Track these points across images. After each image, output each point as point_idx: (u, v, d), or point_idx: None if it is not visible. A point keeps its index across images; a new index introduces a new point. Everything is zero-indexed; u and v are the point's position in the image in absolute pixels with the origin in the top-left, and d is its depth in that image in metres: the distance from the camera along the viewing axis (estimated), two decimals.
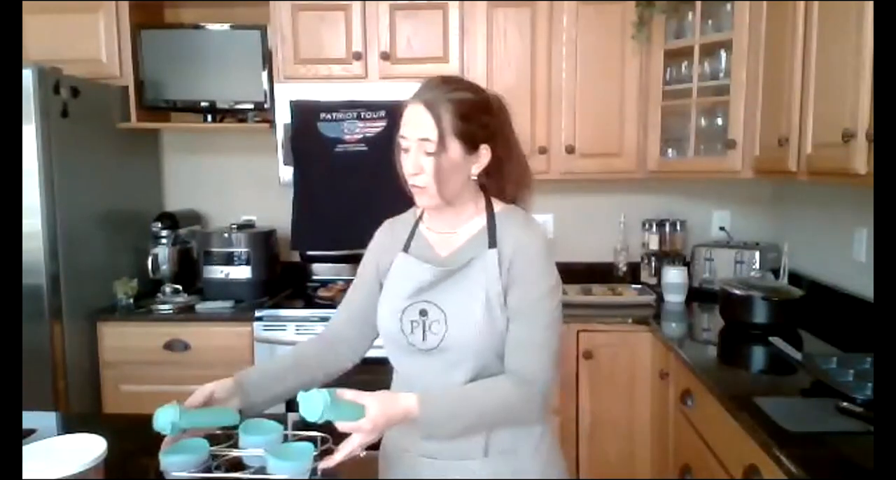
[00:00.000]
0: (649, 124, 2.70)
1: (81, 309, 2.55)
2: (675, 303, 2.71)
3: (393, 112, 1.35)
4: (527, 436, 1.36)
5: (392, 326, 1.34)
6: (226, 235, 2.78)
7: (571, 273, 2.99)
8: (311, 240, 2.79)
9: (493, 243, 1.33)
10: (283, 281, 2.97)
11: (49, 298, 2.41)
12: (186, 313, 2.65)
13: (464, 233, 1.38)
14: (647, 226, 3.00)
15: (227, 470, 1.23)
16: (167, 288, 2.77)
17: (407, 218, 1.47)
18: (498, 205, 1.39)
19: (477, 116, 1.30)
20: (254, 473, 1.23)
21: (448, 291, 1.32)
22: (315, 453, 1.25)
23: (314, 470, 1.21)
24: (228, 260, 2.75)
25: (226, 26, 2.86)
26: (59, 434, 1.25)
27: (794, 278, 2.51)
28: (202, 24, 2.90)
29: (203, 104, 2.88)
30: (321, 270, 3.08)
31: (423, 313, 1.32)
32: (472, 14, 2.69)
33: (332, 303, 2.58)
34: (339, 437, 1.25)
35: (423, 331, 1.31)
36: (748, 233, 2.98)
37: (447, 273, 1.32)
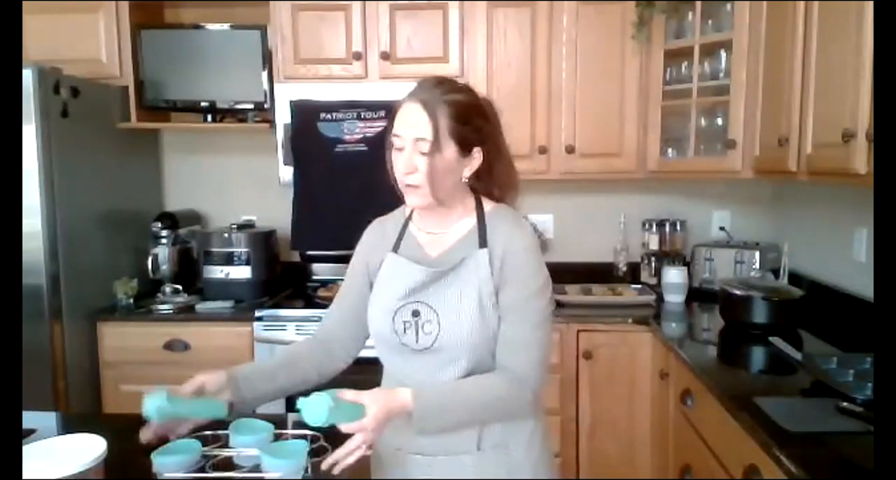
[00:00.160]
0: (649, 124, 2.69)
1: (81, 309, 2.55)
2: (675, 303, 2.71)
3: (393, 112, 1.35)
4: (518, 431, 1.38)
5: (384, 327, 1.34)
6: (226, 235, 2.78)
7: (571, 273, 3.00)
8: (311, 240, 2.79)
9: (483, 243, 1.34)
10: (283, 281, 2.97)
11: (49, 298, 2.41)
12: (186, 313, 2.65)
13: (454, 233, 1.39)
14: (647, 226, 3.00)
15: (220, 470, 1.23)
16: (167, 288, 2.77)
17: (396, 217, 1.47)
18: (488, 205, 1.41)
19: (471, 119, 1.31)
20: (247, 473, 1.23)
21: (440, 291, 1.32)
22: (308, 449, 1.25)
23: (308, 468, 1.21)
24: (228, 260, 2.75)
25: (226, 26, 2.86)
26: (59, 434, 1.25)
27: (794, 278, 2.51)
28: (202, 24, 2.90)
29: (203, 104, 2.88)
30: (321, 270, 3.08)
31: (415, 313, 1.32)
32: (472, 14, 2.69)
33: (331, 303, 2.58)
34: (332, 434, 1.26)
35: (416, 332, 1.32)
36: (748, 233, 2.98)
37: (439, 273, 1.33)
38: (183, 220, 2.97)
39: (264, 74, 2.81)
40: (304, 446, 1.26)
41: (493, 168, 1.38)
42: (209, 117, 2.92)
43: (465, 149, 1.30)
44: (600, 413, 2.52)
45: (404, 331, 1.33)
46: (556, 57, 2.69)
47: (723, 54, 2.52)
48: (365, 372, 1.50)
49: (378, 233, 1.47)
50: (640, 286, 2.92)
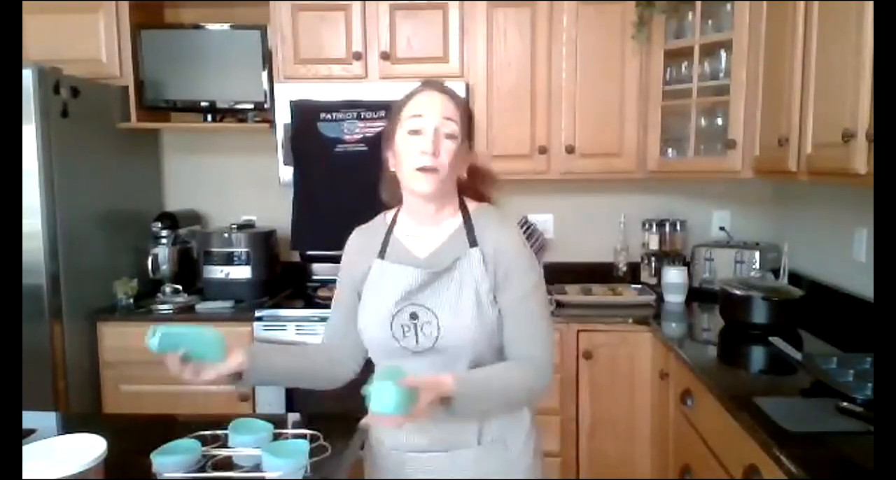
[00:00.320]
0: (649, 124, 2.70)
1: (81, 309, 2.55)
2: (675, 303, 2.71)
3: (402, 101, 1.36)
4: (516, 426, 1.40)
5: (381, 333, 1.34)
6: (226, 235, 2.78)
7: (571, 273, 3.00)
8: (311, 240, 2.79)
9: (473, 242, 1.36)
10: (283, 281, 2.97)
11: (49, 298, 2.41)
12: (186, 313, 2.65)
13: (441, 233, 1.39)
14: (647, 226, 3.00)
15: (220, 470, 1.23)
16: (167, 288, 2.77)
17: (377, 225, 1.47)
18: (472, 205, 1.42)
19: (471, 119, 1.39)
20: (246, 472, 1.23)
21: (437, 292, 1.33)
22: (308, 449, 1.25)
23: (308, 468, 1.21)
24: (228, 260, 2.75)
25: (226, 26, 2.86)
26: (59, 434, 1.25)
27: (794, 278, 2.51)
28: (202, 24, 2.90)
29: (203, 104, 2.88)
30: (321, 270, 3.08)
31: (413, 316, 1.32)
32: (472, 14, 2.69)
33: (331, 303, 2.58)
34: (331, 434, 1.29)
35: (416, 334, 1.32)
36: (748, 233, 2.98)
37: (435, 274, 1.33)
38: (183, 220, 2.97)
39: (264, 74, 2.81)
40: (303, 446, 1.26)
41: (477, 168, 1.45)
42: (209, 117, 2.92)
43: (469, 144, 1.38)
44: (600, 413, 2.52)
45: (403, 335, 1.32)
46: (556, 57, 2.69)
47: (723, 54, 2.52)
48: (363, 372, 1.50)
49: (359, 242, 1.48)
50: (640, 286, 2.92)
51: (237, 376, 1.31)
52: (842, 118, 1.67)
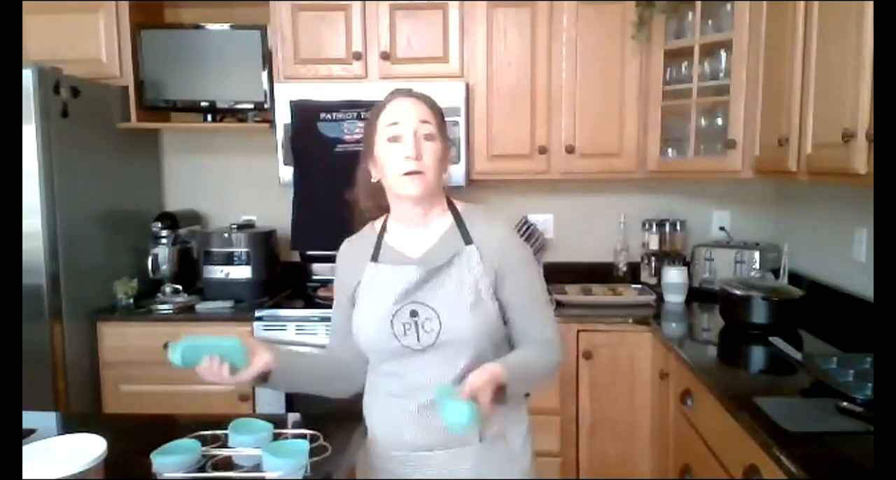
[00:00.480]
0: (649, 124, 2.69)
1: (81, 309, 2.55)
2: (675, 303, 2.71)
3: (375, 112, 1.38)
4: (516, 422, 1.43)
5: (380, 334, 1.34)
6: (226, 235, 2.78)
7: (571, 273, 3.00)
8: (311, 240, 2.79)
9: (468, 240, 1.38)
10: (283, 281, 2.97)
11: (49, 298, 2.41)
12: (186, 313, 2.65)
13: (433, 233, 1.41)
14: (647, 226, 3.00)
15: (220, 470, 1.23)
16: (167, 288, 2.77)
17: (366, 234, 1.48)
18: (459, 204, 1.45)
19: (444, 118, 1.40)
20: (246, 472, 1.23)
21: (435, 289, 1.33)
22: (308, 449, 1.25)
23: (308, 468, 1.21)
24: (228, 260, 2.75)
25: (226, 26, 2.86)
26: (59, 434, 1.25)
27: (794, 278, 2.51)
28: (202, 24, 2.90)
29: (203, 104, 2.88)
30: (321, 270, 3.08)
31: (413, 314, 1.33)
32: (472, 14, 2.69)
33: (331, 303, 2.58)
34: (331, 434, 1.30)
35: (417, 331, 1.32)
36: (748, 233, 2.98)
37: (433, 271, 1.34)
38: (183, 220, 2.97)
39: (264, 74, 2.81)
40: (303, 446, 1.26)
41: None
42: (209, 117, 2.92)
43: (447, 144, 1.40)
44: (600, 413, 2.52)
45: (404, 333, 1.33)
46: (556, 57, 2.69)
47: (723, 54, 2.52)
48: None
49: (350, 253, 1.49)
50: (640, 286, 2.92)
51: (262, 378, 1.32)
52: (842, 118, 1.67)
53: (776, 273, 2.55)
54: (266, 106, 2.84)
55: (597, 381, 2.51)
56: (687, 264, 2.88)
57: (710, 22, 2.54)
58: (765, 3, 2.28)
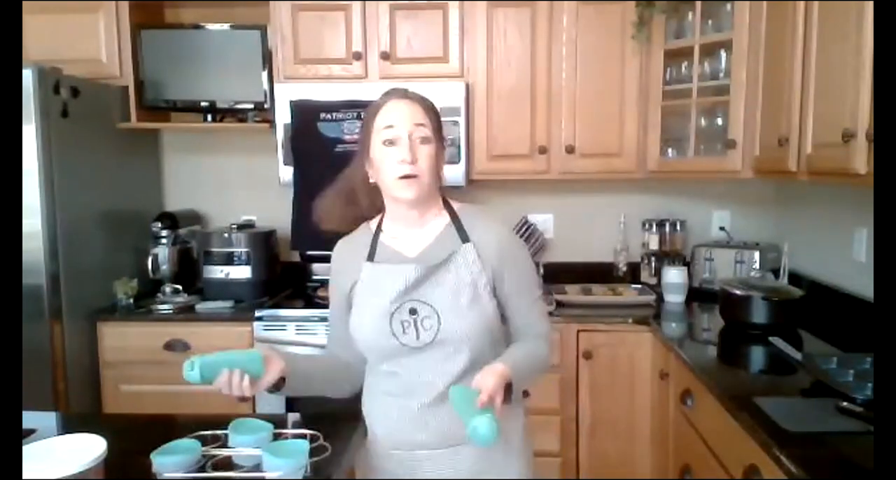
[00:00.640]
0: (649, 124, 2.69)
1: (81, 309, 2.55)
2: (675, 303, 2.71)
3: (370, 115, 1.39)
4: (514, 419, 1.43)
5: (379, 332, 1.35)
6: (226, 235, 2.78)
7: (571, 273, 3.00)
8: (311, 240, 2.78)
9: (465, 238, 1.38)
10: (283, 281, 2.97)
11: (49, 298, 2.41)
12: (186, 313, 2.65)
13: (429, 232, 1.41)
14: (647, 226, 3.00)
15: (220, 470, 1.23)
16: (167, 288, 2.77)
17: (360, 234, 1.48)
18: (455, 204, 1.45)
19: (439, 117, 1.40)
20: (246, 472, 1.23)
21: (434, 287, 1.34)
22: (308, 449, 1.25)
23: (308, 468, 1.21)
24: (228, 260, 2.75)
25: (226, 26, 2.86)
26: (59, 434, 1.25)
27: (794, 278, 2.51)
28: (202, 24, 2.90)
29: (203, 104, 2.88)
30: (321, 270, 3.08)
31: (412, 312, 1.33)
32: (472, 14, 2.69)
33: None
34: (331, 434, 1.31)
35: (416, 329, 1.33)
36: (748, 233, 2.98)
37: (432, 268, 1.34)
38: (183, 220, 2.97)
39: (264, 74, 2.81)
40: (303, 446, 1.26)
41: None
42: (209, 117, 2.92)
43: (442, 145, 1.40)
44: (600, 413, 2.52)
45: (403, 331, 1.33)
46: (556, 57, 2.69)
47: (723, 54, 2.52)
48: None
49: (345, 253, 1.48)
50: (640, 286, 2.92)
51: (275, 386, 1.32)
52: (842, 118, 1.67)
53: (776, 273, 2.55)
54: (266, 106, 2.84)
55: (597, 381, 2.51)
56: (687, 264, 2.88)
57: (710, 22, 2.54)
58: (765, 3, 2.28)
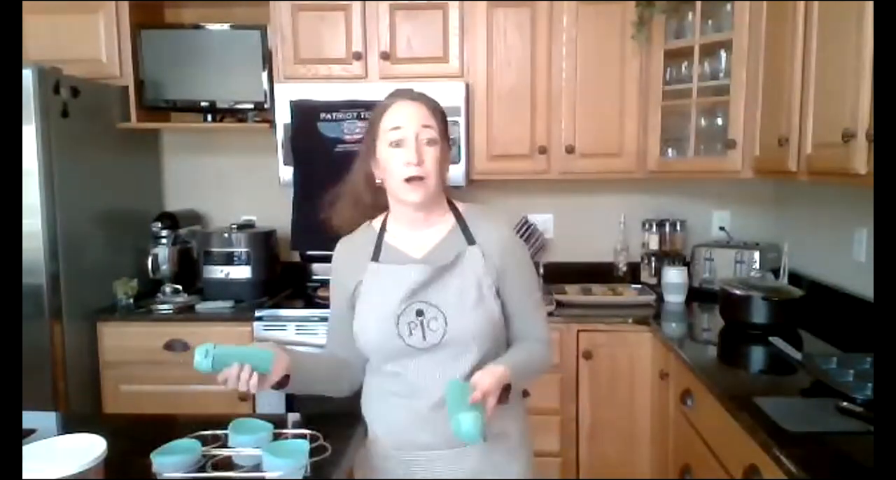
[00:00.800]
0: (649, 124, 2.69)
1: (81, 309, 2.55)
2: (675, 303, 2.71)
3: (377, 115, 1.39)
4: (514, 419, 1.44)
5: (385, 333, 1.35)
6: (226, 235, 2.78)
7: (571, 273, 3.00)
8: (311, 240, 2.78)
9: (471, 240, 1.39)
10: (283, 281, 2.97)
11: (49, 298, 2.40)
12: (186, 313, 2.65)
13: (435, 233, 1.41)
14: (647, 226, 3.00)
15: (220, 470, 1.23)
16: (167, 288, 2.77)
17: (365, 232, 1.48)
18: (460, 205, 1.46)
19: (445, 117, 1.41)
20: (246, 472, 1.23)
21: (441, 288, 1.34)
22: (308, 449, 1.25)
23: (307, 468, 1.21)
24: (228, 260, 2.75)
25: (226, 26, 2.86)
26: (59, 434, 1.25)
27: (794, 278, 2.51)
28: (202, 24, 2.90)
29: (203, 104, 2.88)
30: (321, 270, 3.07)
31: (419, 313, 1.33)
32: (472, 14, 2.69)
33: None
34: (331, 434, 1.30)
35: (423, 330, 1.33)
36: (748, 233, 2.98)
37: (440, 270, 1.34)
38: (183, 220, 2.97)
39: (264, 74, 2.81)
40: (303, 446, 1.26)
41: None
42: (209, 117, 2.92)
43: (449, 146, 1.41)
44: (600, 413, 2.52)
45: (410, 333, 1.33)
46: (556, 57, 2.69)
47: (723, 54, 2.52)
48: None
49: (347, 252, 1.48)
50: (640, 286, 2.92)
51: (279, 383, 1.32)
52: (842, 118, 1.67)
53: (776, 273, 2.55)
54: (266, 106, 2.84)
55: (597, 381, 2.51)
56: (687, 264, 2.88)
57: (710, 22, 2.54)
58: (765, 3, 2.28)
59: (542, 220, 3.06)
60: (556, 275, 2.97)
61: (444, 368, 1.33)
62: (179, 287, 2.78)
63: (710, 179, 2.91)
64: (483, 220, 1.42)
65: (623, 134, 2.71)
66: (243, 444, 1.29)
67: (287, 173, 2.76)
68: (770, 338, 2.08)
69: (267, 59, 2.79)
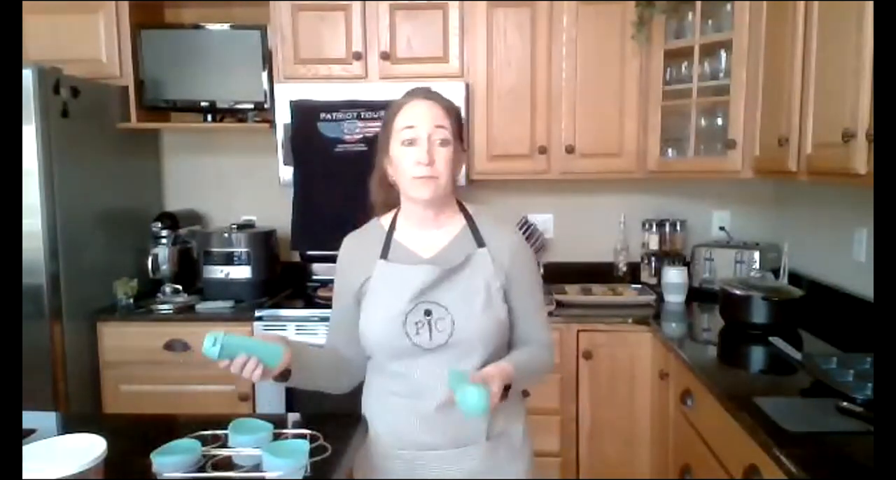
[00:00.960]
0: (649, 124, 2.69)
1: (81, 309, 2.55)
2: (675, 303, 2.71)
3: (392, 112, 1.39)
4: (517, 419, 1.46)
5: (392, 332, 1.35)
6: (226, 235, 2.78)
7: (571, 273, 3.00)
8: (311, 240, 2.79)
9: (481, 242, 1.40)
10: (283, 281, 2.97)
11: (49, 298, 2.40)
12: (186, 313, 2.65)
13: (445, 234, 1.42)
14: (647, 226, 3.00)
15: (220, 470, 1.23)
16: (167, 288, 2.77)
17: (372, 230, 1.48)
18: (469, 206, 1.47)
19: (459, 118, 1.41)
20: (246, 472, 1.23)
21: (449, 289, 1.35)
22: (308, 449, 1.25)
23: (308, 468, 1.21)
24: (228, 260, 2.75)
25: (226, 26, 2.86)
26: (59, 434, 1.25)
27: (794, 278, 2.51)
28: (202, 24, 2.90)
29: (203, 104, 2.88)
30: (321, 270, 3.08)
31: (427, 313, 1.34)
32: (472, 14, 2.69)
33: (331, 303, 2.59)
34: (331, 434, 1.30)
35: (430, 330, 1.33)
36: (748, 233, 2.98)
37: (449, 271, 1.35)
38: (183, 220, 2.97)
39: (264, 74, 2.81)
40: (303, 446, 1.26)
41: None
42: (209, 117, 2.92)
43: (462, 147, 1.41)
44: (600, 413, 2.52)
45: (416, 332, 1.34)
46: (556, 57, 2.69)
47: (723, 54, 2.52)
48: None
49: (354, 248, 1.49)
50: (640, 286, 2.92)
51: (282, 376, 1.33)
52: (842, 118, 1.67)
53: (776, 273, 2.55)
54: (266, 106, 2.84)
55: (597, 381, 2.51)
56: (687, 264, 2.88)
57: (710, 22, 2.54)
58: (765, 3, 2.28)
59: (542, 220, 3.06)
60: (557, 275, 2.97)
61: (446, 368, 1.33)
62: (179, 287, 2.78)
63: (710, 179, 2.91)
64: (493, 224, 1.44)
65: (623, 134, 2.71)
66: (243, 444, 1.29)
67: (287, 173, 2.76)
68: (770, 338, 2.08)
69: (267, 59, 2.79)
